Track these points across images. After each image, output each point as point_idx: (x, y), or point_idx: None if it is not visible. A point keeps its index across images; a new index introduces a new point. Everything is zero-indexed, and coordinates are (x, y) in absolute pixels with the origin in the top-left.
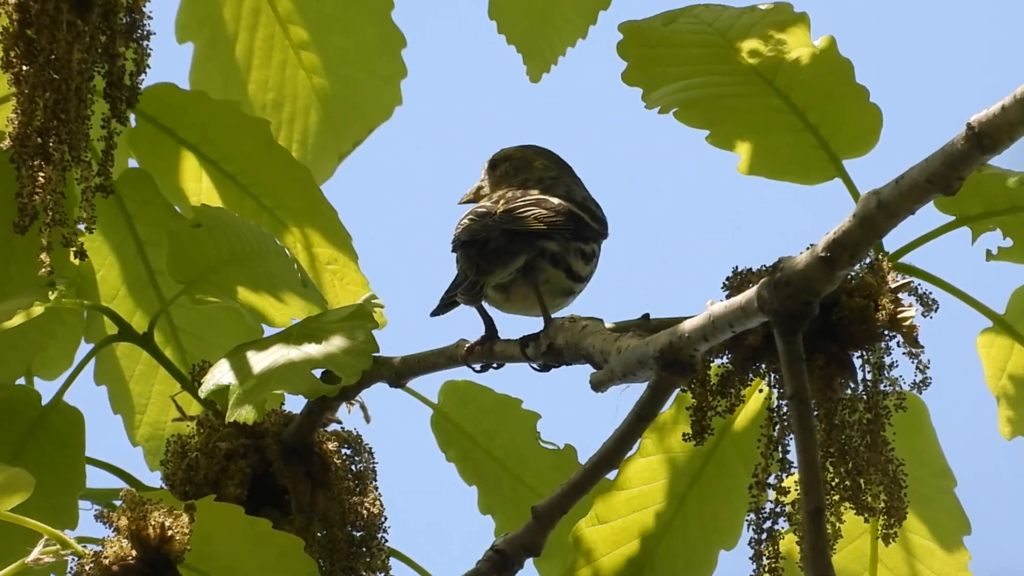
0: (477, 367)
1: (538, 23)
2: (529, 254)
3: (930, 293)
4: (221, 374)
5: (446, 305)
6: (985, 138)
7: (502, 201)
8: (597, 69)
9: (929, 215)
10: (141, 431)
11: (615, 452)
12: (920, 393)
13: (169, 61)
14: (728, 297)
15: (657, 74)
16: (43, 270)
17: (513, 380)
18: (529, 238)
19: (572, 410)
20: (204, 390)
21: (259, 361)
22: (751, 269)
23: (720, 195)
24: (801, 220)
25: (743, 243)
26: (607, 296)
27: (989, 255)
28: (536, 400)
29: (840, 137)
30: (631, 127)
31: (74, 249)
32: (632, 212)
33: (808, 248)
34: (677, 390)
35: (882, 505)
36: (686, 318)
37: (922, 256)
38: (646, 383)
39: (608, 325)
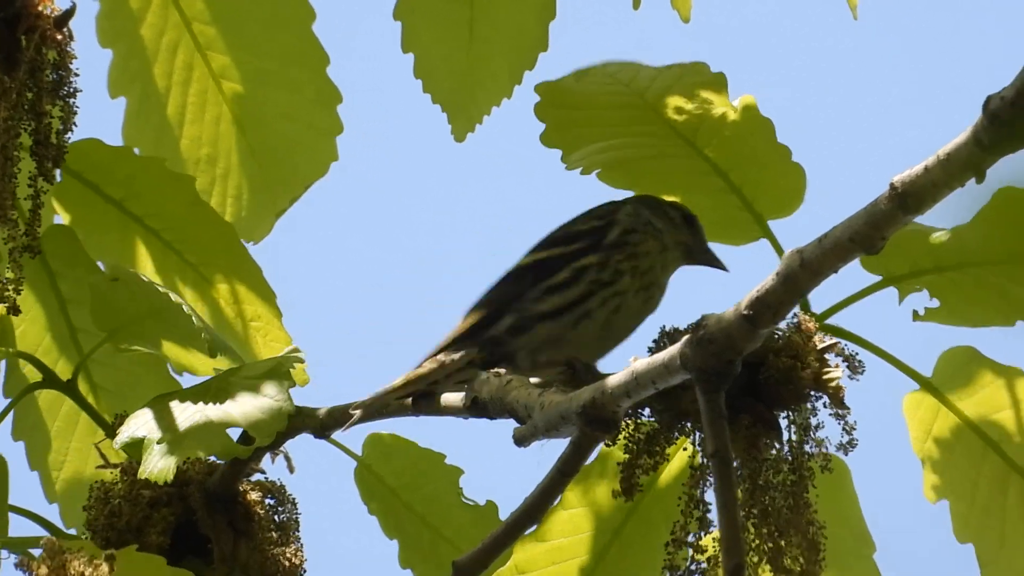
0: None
1: (463, 83)
2: (475, 350)
3: (857, 355)
4: (136, 426)
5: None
6: (908, 198)
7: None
8: (525, 124)
9: (859, 275)
10: (58, 487)
11: (537, 507)
12: (846, 455)
13: (104, 114)
14: None
15: (576, 135)
16: None
17: (437, 434)
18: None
19: (496, 465)
20: (119, 442)
21: (176, 416)
22: (677, 328)
23: None
24: (732, 277)
25: (672, 302)
26: None
27: (916, 315)
28: (459, 454)
29: (764, 198)
30: (557, 182)
31: (7, 305)
32: None
33: (732, 306)
34: (601, 445)
35: (799, 568)
36: (609, 374)
37: (852, 316)
38: (569, 438)
39: (533, 380)
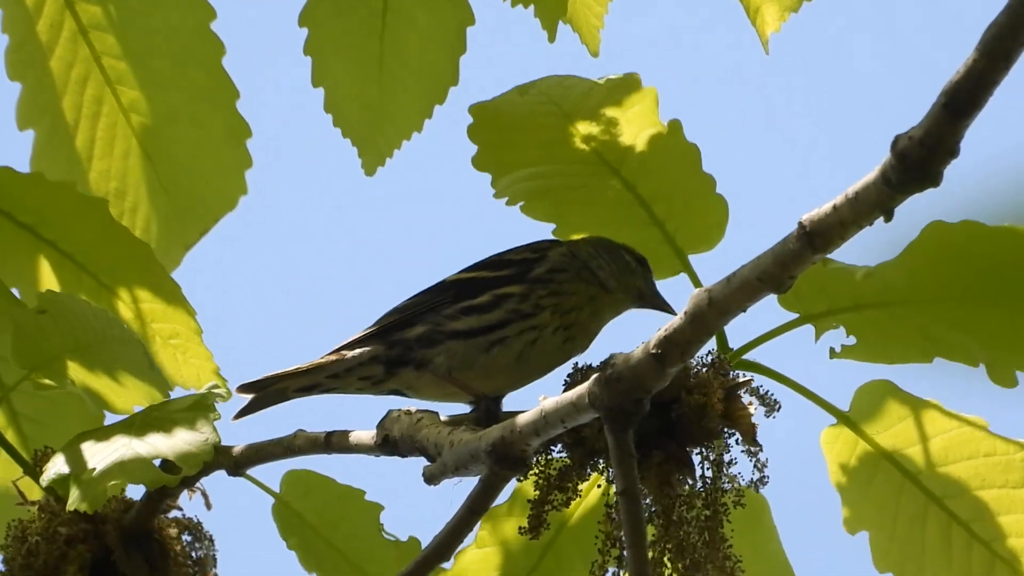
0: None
1: (373, 118)
2: (381, 347)
3: (771, 393)
4: (63, 463)
5: None
6: (816, 237)
7: None
8: (434, 156)
9: (777, 311)
10: None
11: (446, 545)
12: (758, 491)
13: (13, 147)
14: None
15: (506, 158)
16: None
17: (357, 471)
18: (381, 334)
19: (417, 501)
20: (46, 479)
21: (102, 450)
22: (590, 366)
23: None
24: (646, 313)
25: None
26: None
27: (833, 353)
28: (380, 492)
29: (686, 232)
30: (472, 214)
31: None
32: None
33: (641, 344)
34: (512, 482)
35: None
36: (519, 412)
37: (769, 351)
38: (479, 476)
39: (443, 418)
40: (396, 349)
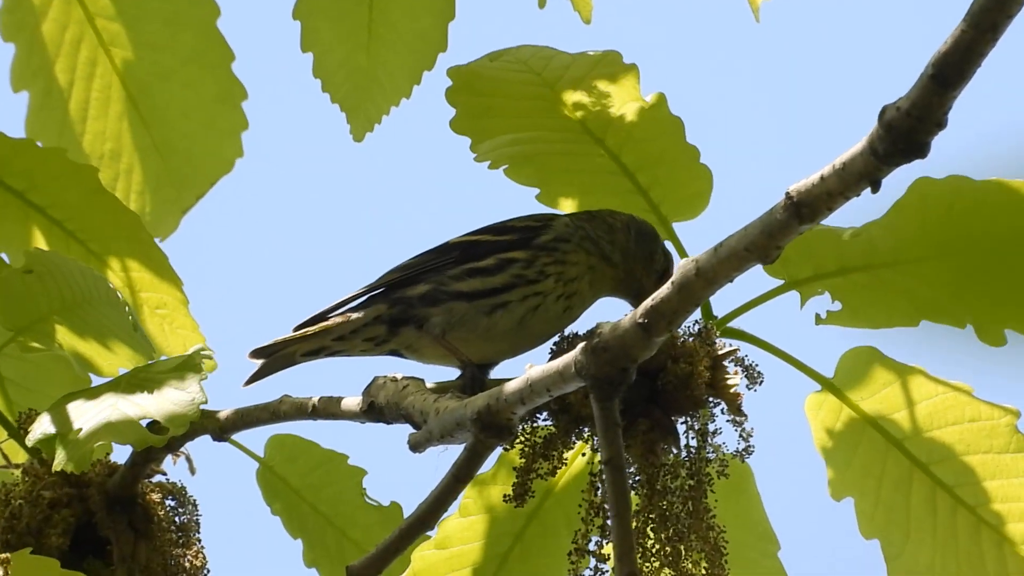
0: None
1: (362, 84)
2: (383, 307)
3: (756, 365)
4: (49, 423)
5: None
6: (803, 208)
7: None
8: (427, 120)
9: (763, 277)
10: None
11: (431, 513)
12: (743, 461)
13: (8, 109)
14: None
15: (486, 124)
16: None
17: (340, 436)
18: (383, 293)
19: (400, 467)
20: (32, 439)
21: (88, 410)
22: (577, 334)
23: None
24: None
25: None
26: None
27: (818, 319)
28: (363, 457)
29: (670, 200)
30: (465, 176)
31: None
32: None
33: (627, 313)
34: (499, 449)
35: (703, 572)
36: (506, 380)
37: (755, 318)
38: (464, 444)
39: (430, 385)
40: (398, 307)
